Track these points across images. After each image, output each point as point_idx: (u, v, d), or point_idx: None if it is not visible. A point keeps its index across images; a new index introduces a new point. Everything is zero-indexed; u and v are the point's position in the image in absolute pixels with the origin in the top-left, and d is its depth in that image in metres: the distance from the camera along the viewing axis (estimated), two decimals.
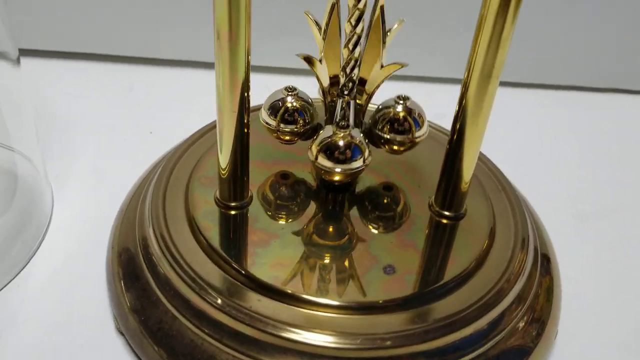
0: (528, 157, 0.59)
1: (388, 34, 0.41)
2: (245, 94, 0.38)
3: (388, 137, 0.42)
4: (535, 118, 0.64)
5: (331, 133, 0.41)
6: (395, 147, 0.43)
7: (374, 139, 0.43)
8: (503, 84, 0.38)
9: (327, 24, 0.40)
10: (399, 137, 0.42)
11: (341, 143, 0.40)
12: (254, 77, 0.39)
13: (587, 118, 0.65)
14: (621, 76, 0.68)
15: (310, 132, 0.43)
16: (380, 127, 0.42)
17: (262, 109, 0.44)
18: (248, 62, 0.37)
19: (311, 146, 0.41)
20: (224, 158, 0.40)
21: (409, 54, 0.61)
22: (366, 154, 0.41)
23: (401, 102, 0.42)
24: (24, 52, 0.63)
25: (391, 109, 0.42)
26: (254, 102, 0.40)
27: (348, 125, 0.41)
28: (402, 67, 0.41)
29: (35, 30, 0.64)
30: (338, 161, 0.40)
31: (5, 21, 0.43)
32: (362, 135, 0.42)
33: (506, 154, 0.54)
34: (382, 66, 0.41)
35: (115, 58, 0.66)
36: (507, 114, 0.62)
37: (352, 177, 0.43)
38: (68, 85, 0.63)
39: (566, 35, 0.65)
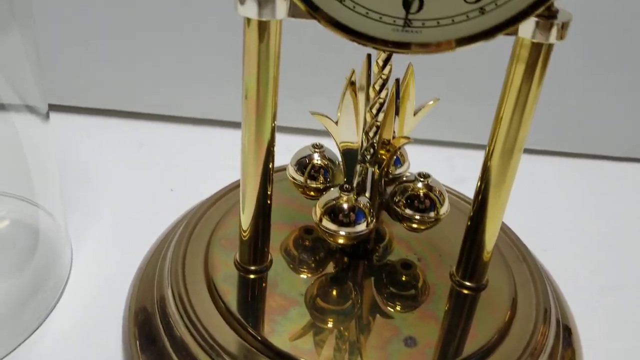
0: (548, 226, 0.59)
1: (420, 111, 0.42)
2: (270, 157, 0.38)
3: (408, 214, 0.42)
4: (556, 186, 0.64)
5: (337, 195, 0.41)
6: (415, 226, 0.43)
7: (392, 213, 0.43)
8: (525, 151, 0.38)
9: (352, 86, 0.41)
10: (418, 216, 0.42)
11: (345, 206, 0.40)
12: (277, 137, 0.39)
13: (608, 187, 0.64)
14: None
15: None
16: (397, 200, 0.42)
17: (289, 164, 0.44)
18: (274, 128, 0.37)
19: (315, 208, 0.41)
20: (246, 219, 0.40)
21: (429, 119, 0.62)
22: (370, 218, 0.41)
23: (422, 179, 0.42)
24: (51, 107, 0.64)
25: (411, 185, 0.42)
26: (276, 162, 0.41)
27: (352, 189, 0.41)
28: (408, 142, 0.41)
29: (60, 85, 0.66)
30: (342, 224, 0.40)
31: (38, 77, 0.44)
32: (368, 200, 0.41)
33: (526, 223, 0.53)
34: (393, 137, 0.41)
35: (139, 115, 0.67)
36: (527, 182, 0.62)
37: (357, 240, 0.42)
38: (91, 141, 0.64)
39: (587, 104, 0.66)
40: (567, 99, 0.65)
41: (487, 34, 0.33)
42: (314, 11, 0.32)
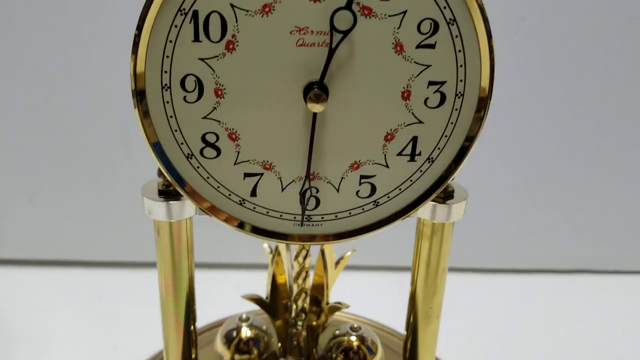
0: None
1: (339, 262, 0.43)
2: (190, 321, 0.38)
3: None
4: (504, 304, 0.65)
5: None
6: None
7: None
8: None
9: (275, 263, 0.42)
10: None
11: None
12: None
13: (555, 300, 0.65)
14: (586, 258, 0.69)
15: None
16: (334, 356, 0.43)
17: (217, 338, 0.44)
18: (191, 297, 0.38)
19: None
20: None
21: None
22: None
23: (354, 332, 0.43)
24: None
25: (345, 337, 0.43)
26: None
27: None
28: (342, 308, 0.42)
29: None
30: None
31: None
32: None
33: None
34: (327, 303, 0.42)
35: (82, 263, 0.67)
36: (471, 304, 0.63)
37: None
38: (30, 294, 0.63)
39: (517, 221, 0.67)
40: (507, 217, 0.67)
41: (384, 222, 0.34)
42: (217, 214, 0.34)
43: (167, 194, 0.34)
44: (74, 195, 0.63)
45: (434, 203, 0.35)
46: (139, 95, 0.30)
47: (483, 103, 0.31)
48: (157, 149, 0.31)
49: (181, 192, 0.33)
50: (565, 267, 0.70)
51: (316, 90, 0.29)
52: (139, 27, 0.28)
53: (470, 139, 0.32)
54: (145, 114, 0.30)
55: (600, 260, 0.69)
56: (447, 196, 0.35)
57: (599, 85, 0.61)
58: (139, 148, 0.62)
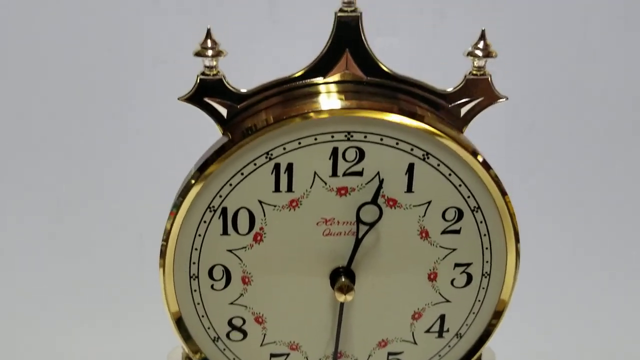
0: None
1: None
2: None
3: None
4: None
5: None
6: None
7: None
8: None
9: None
10: None
11: None
12: None
13: None
14: None
15: None
16: None
17: None
18: None
19: None
20: None
21: None
22: None
23: None
24: None
25: None
26: None
27: None
28: None
29: None
30: None
31: None
32: None
33: None
34: None
35: None
36: None
37: None
38: None
39: None
40: None
41: None
42: None
43: None
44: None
45: None
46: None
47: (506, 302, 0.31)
48: (184, 334, 0.31)
49: None
50: None
51: (344, 280, 0.29)
52: (165, 239, 0.29)
53: (498, 314, 0.32)
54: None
55: None
56: None
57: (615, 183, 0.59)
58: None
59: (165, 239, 0.29)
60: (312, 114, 0.27)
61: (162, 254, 0.29)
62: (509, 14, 0.52)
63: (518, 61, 0.52)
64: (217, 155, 0.28)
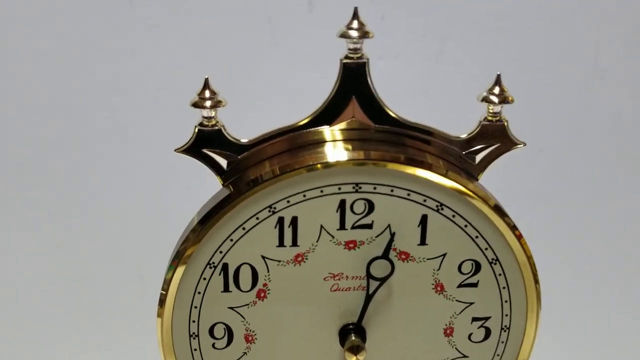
0: None
1: None
2: None
3: None
4: None
5: None
6: None
7: None
8: None
9: None
10: None
11: None
12: None
13: None
14: None
15: None
16: None
17: None
18: None
19: None
20: None
21: None
22: None
23: None
24: None
25: None
26: None
27: None
28: None
29: None
30: None
31: None
32: None
33: None
34: None
35: None
36: None
37: None
38: None
39: None
40: None
41: None
42: None
43: None
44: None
45: None
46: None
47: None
48: None
49: None
50: None
51: (354, 339, 0.28)
52: (165, 288, 0.27)
53: None
54: None
55: None
56: None
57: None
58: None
59: (166, 288, 0.27)
60: (318, 166, 0.25)
61: (162, 303, 0.27)
62: (515, 36, 0.50)
63: (525, 86, 0.50)
64: (220, 208, 0.26)
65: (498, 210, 0.27)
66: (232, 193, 0.26)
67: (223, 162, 0.27)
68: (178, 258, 0.27)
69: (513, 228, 0.27)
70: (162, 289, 0.28)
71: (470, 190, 0.26)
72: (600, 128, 0.53)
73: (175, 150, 0.26)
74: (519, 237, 0.27)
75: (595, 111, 0.53)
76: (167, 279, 0.27)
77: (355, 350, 0.27)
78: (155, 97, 0.48)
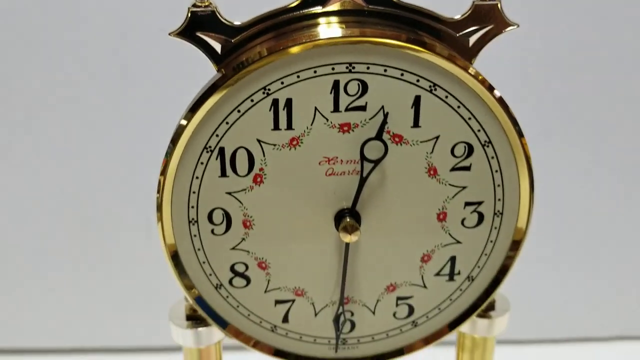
0: None
1: None
2: None
3: None
4: None
5: None
6: None
7: None
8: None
9: None
10: None
11: None
12: None
13: None
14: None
15: None
16: None
17: None
18: None
19: None
20: None
21: None
22: None
23: None
24: None
25: None
26: None
27: None
28: None
29: None
30: None
31: None
32: None
33: None
34: None
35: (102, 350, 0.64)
36: None
37: None
38: None
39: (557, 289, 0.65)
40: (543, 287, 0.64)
41: (425, 341, 0.33)
42: (254, 346, 0.32)
43: (196, 318, 0.32)
44: (92, 281, 0.62)
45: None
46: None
47: (520, 238, 0.30)
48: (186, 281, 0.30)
49: (211, 322, 0.31)
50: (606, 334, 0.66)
51: (349, 220, 0.28)
52: (163, 172, 0.27)
53: (505, 270, 0.31)
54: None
55: None
56: (488, 307, 0.33)
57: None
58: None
59: (160, 191, 0.28)
60: (310, 44, 0.25)
61: (158, 207, 0.28)
62: None
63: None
64: (211, 91, 0.26)
65: (491, 90, 0.27)
66: (225, 74, 0.26)
67: (218, 47, 0.27)
68: (169, 153, 0.27)
69: (505, 107, 0.27)
70: (157, 192, 0.28)
71: (464, 69, 0.26)
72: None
73: (169, 34, 0.27)
74: (512, 119, 0.27)
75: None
76: (160, 181, 0.28)
77: (350, 229, 0.28)
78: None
